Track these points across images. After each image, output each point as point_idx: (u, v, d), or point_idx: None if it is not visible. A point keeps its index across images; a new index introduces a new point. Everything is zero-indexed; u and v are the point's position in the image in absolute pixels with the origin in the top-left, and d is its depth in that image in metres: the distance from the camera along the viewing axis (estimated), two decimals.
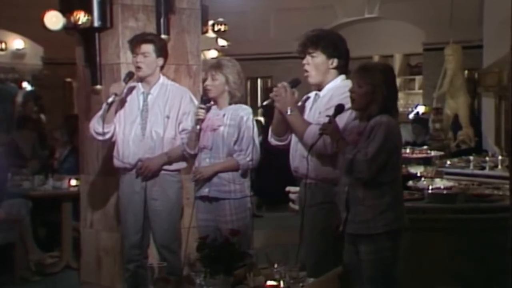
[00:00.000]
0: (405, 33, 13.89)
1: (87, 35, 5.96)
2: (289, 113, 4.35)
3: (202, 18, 6.37)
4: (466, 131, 9.92)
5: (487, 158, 7.66)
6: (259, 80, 14.64)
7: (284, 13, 14.29)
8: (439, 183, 5.77)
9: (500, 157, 7.55)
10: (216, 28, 6.83)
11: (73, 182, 7.28)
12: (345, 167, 3.93)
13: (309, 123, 4.33)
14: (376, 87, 3.92)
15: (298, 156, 4.42)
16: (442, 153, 7.10)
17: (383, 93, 3.92)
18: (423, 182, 5.76)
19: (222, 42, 8.71)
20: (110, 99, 5.10)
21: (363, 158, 3.82)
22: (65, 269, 7.22)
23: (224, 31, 6.81)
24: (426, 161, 6.10)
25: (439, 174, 6.13)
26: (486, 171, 7.42)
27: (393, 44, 14.39)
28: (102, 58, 5.94)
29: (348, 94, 4.08)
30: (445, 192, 5.47)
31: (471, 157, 7.65)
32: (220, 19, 6.88)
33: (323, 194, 4.32)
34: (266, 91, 14.72)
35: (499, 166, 7.45)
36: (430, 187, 5.55)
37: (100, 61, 5.95)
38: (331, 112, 4.11)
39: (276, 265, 3.37)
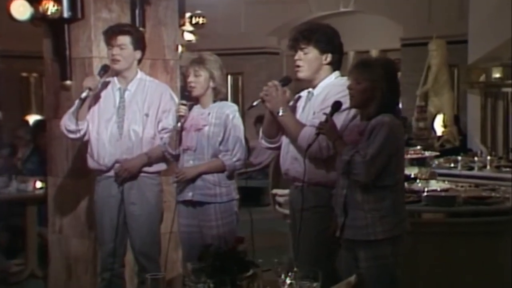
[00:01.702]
0: (382, 28, 13.70)
1: (56, 26, 5.60)
2: (281, 113, 4.14)
3: (179, 10, 6.10)
4: (450, 129, 9.81)
5: (475, 158, 7.53)
6: (229, 77, 14.26)
7: (256, 6, 13.99)
8: (435, 185, 5.60)
9: (489, 157, 7.45)
10: (194, 21, 6.49)
11: (38, 184, 6.92)
12: (342, 169, 3.74)
13: (303, 124, 4.11)
14: (374, 83, 3.73)
15: (289, 158, 4.21)
16: (437, 153, 6.97)
17: (383, 90, 3.73)
18: (418, 184, 5.57)
19: (188, 36, 8.40)
20: (83, 94, 4.81)
21: (361, 159, 3.63)
22: (30, 277, 6.91)
23: (203, 23, 6.47)
24: (419, 162, 5.89)
25: (433, 176, 5.91)
26: (475, 172, 7.31)
27: (370, 39, 14.18)
28: (72, 51, 5.60)
29: (345, 93, 3.88)
30: (443, 194, 5.28)
31: (459, 157, 7.52)
32: (198, 11, 6.55)
33: (317, 198, 4.09)
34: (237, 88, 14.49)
35: (488, 167, 7.34)
36: (426, 190, 5.35)
37: (70, 55, 5.60)
38: (327, 111, 3.90)
39: (283, 275, 3.08)
